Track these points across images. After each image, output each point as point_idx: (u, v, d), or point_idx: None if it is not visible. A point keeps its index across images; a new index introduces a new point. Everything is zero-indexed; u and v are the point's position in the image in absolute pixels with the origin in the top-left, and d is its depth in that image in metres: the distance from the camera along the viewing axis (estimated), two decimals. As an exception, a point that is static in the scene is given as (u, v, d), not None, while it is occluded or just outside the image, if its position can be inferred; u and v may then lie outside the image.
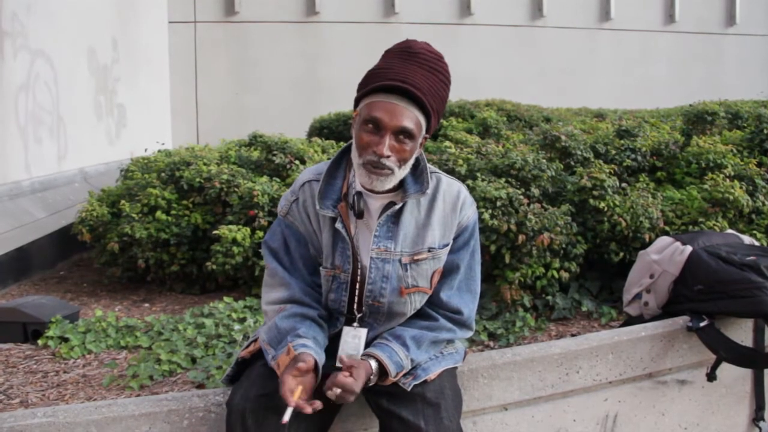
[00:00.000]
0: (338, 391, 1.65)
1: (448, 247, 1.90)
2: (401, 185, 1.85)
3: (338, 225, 1.84)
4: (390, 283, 1.85)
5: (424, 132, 1.80)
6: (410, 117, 1.74)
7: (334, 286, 1.88)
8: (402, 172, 1.79)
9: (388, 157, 1.73)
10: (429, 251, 1.87)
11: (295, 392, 1.63)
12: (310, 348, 1.73)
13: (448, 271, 1.92)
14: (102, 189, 4.63)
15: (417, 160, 1.86)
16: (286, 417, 1.60)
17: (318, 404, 1.64)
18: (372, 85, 1.75)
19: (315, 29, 11.03)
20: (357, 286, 1.87)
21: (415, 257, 1.86)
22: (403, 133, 1.74)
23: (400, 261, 1.85)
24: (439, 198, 1.89)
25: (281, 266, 1.89)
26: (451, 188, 1.92)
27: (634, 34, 12.43)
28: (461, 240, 1.92)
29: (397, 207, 1.84)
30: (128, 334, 3.15)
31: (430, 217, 1.88)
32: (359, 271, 1.87)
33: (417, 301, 1.90)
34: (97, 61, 7.03)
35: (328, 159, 1.96)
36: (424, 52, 1.79)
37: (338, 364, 1.78)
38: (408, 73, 1.74)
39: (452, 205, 1.90)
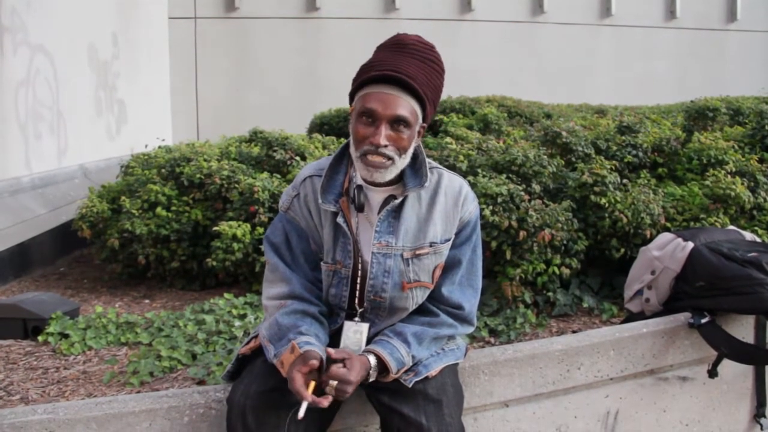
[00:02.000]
0: (335, 383, 1.64)
1: (450, 242, 1.90)
2: (401, 179, 1.85)
3: (339, 219, 1.84)
4: (392, 277, 1.85)
5: (420, 121, 1.80)
6: (404, 105, 1.74)
7: (335, 281, 1.88)
8: (402, 162, 1.79)
9: (386, 146, 1.73)
10: (430, 246, 1.87)
11: (309, 388, 1.63)
12: (315, 345, 1.72)
13: (450, 266, 1.91)
14: (102, 185, 4.62)
15: (416, 153, 1.86)
16: (302, 413, 1.61)
17: (330, 398, 1.64)
18: (364, 77, 1.76)
19: (315, 25, 11.02)
20: (358, 281, 1.87)
21: (417, 252, 1.86)
22: (399, 122, 1.73)
23: (401, 256, 1.85)
24: (441, 193, 1.89)
25: (282, 261, 1.89)
26: (452, 183, 1.92)
27: (635, 30, 12.41)
28: (463, 235, 1.92)
29: (398, 201, 1.83)
30: (128, 331, 3.14)
31: (431, 212, 1.87)
32: (360, 266, 1.86)
33: (419, 296, 1.89)
34: (97, 57, 7.02)
35: (329, 155, 1.95)
36: (415, 43, 1.79)
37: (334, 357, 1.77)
38: (400, 63, 1.74)
39: (454, 200, 1.90)
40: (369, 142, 1.73)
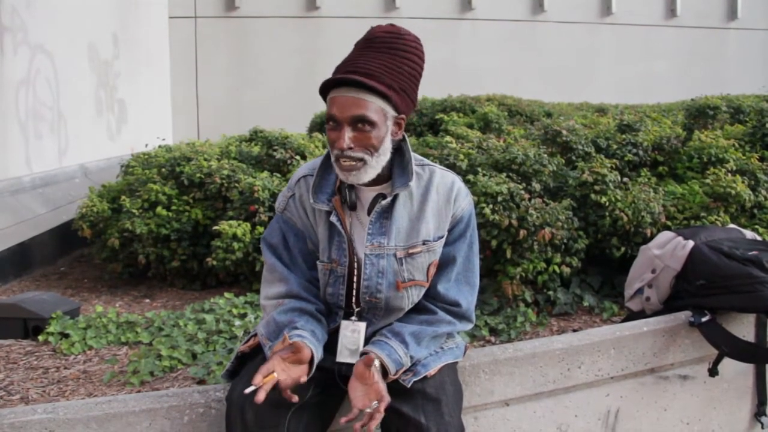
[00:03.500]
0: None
1: (443, 239, 1.89)
2: (390, 177, 1.84)
3: (333, 218, 1.83)
4: (386, 278, 1.84)
5: (393, 113, 1.77)
6: (363, 104, 1.71)
7: (331, 280, 1.88)
8: (377, 160, 1.77)
9: (351, 148, 1.72)
10: (423, 244, 1.86)
11: (268, 377, 1.63)
12: (306, 339, 1.72)
13: (445, 264, 1.90)
14: (102, 185, 4.63)
15: (402, 150, 1.85)
16: (247, 390, 1.61)
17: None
18: (324, 83, 1.76)
19: (315, 24, 11.02)
20: (354, 280, 1.87)
21: (410, 251, 1.85)
22: (361, 122, 1.72)
23: (394, 255, 1.84)
24: (433, 190, 1.87)
25: (280, 262, 1.89)
26: (444, 180, 1.90)
27: (636, 29, 12.40)
28: (456, 231, 1.90)
29: (387, 202, 1.82)
30: (129, 330, 3.14)
31: (423, 210, 1.86)
32: (356, 264, 1.86)
33: (414, 295, 1.89)
34: (98, 57, 7.02)
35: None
36: (381, 35, 1.76)
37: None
38: (359, 62, 1.73)
39: (446, 196, 1.88)
40: (336, 146, 1.73)
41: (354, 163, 1.74)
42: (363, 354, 1.78)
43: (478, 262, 1.97)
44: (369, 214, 1.84)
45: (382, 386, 1.70)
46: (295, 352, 1.68)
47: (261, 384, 1.60)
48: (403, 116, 1.81)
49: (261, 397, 1.59)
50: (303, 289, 1.86)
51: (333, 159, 1.77)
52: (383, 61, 1.73)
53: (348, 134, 1.72)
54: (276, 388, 1.67)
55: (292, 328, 1.75)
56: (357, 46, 1.79)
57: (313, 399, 1.79)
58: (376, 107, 1.73)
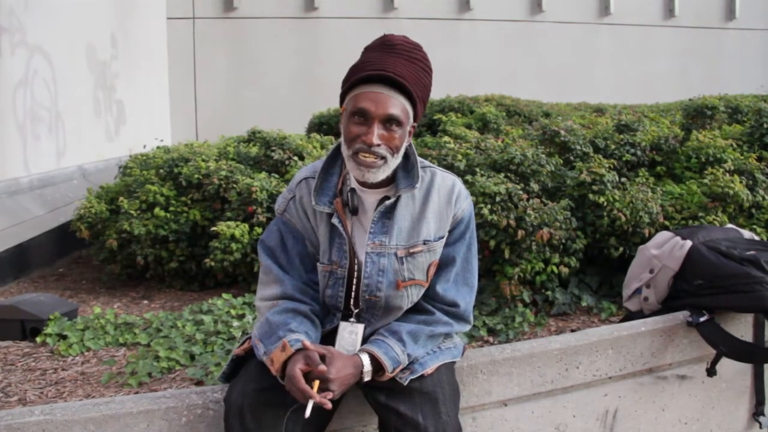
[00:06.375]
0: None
1: (443, 240, 1.90)
2: (394, 180, 1.85)
3: (334, 220, 1.84)
4: (386, 276, 1.85)
5: (411, 120, 1.81)
6: (396, 104, 1.75)
7: (331, 281, 1.88)
8: (394, 161, 1.79)
9: (378, 145, 1.74)
10: (424, 244, 1.87)
11: (315, 386, 1.63)
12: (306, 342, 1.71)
13: (444, 264, 1.92)
14: (100, 186, 4.62)
15: (407, 153, 1.86)
16: (308, 412, 1.60)
17: (329, 405, 1.63)
18: (355, 77, 1.76)
19: (314, 25, 11.03)
20: (354, 282, 1.87)
21: (411, 250, 1.86)
22: (391, 121, 1.74)
23: (395, 254, 1.86)
24: (434, 191, 1.89)
25: (276, 264, 1.90)
26: (445, 181, 1.92)
27: (634, 29, 12.42)
28: (457, 232, 1.92)
29: (390, 202, 1.84)
30: (127, 332, 3.14)
31: (424, 210, 1.88)
32: (356, 266, 1.87)
33: (414, 295, 1.90)
34: (96, 58, 7.02)
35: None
36: (403, 43, 1.80)
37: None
38: (389, 63, 1.75)
39: (447, 198, 1.90)
40: (361, 140, 1.74)
41: (376, 159, 1.75)
42: (360, 352, 1.78)
43: (476, 263, 1.99)
44: (373, 215, 1.85)
45: (348, 376, 1.70)
46: (309, 360, 1.66)
47: (316, 397, 1.60)
48: (415, 125, 1.84)
49: (330, 405, 1.61)
50: (298, 290, 1.86)
51: (350, 153, 1.77)
52: (410, 68, 1.77)
53: (377, 131, 1.73)
54: (272, 389, 1.69)
55: (287, 330, 1.75)
56: (374, 49, 1.81)
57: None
58: (404, 109, 1.77)
